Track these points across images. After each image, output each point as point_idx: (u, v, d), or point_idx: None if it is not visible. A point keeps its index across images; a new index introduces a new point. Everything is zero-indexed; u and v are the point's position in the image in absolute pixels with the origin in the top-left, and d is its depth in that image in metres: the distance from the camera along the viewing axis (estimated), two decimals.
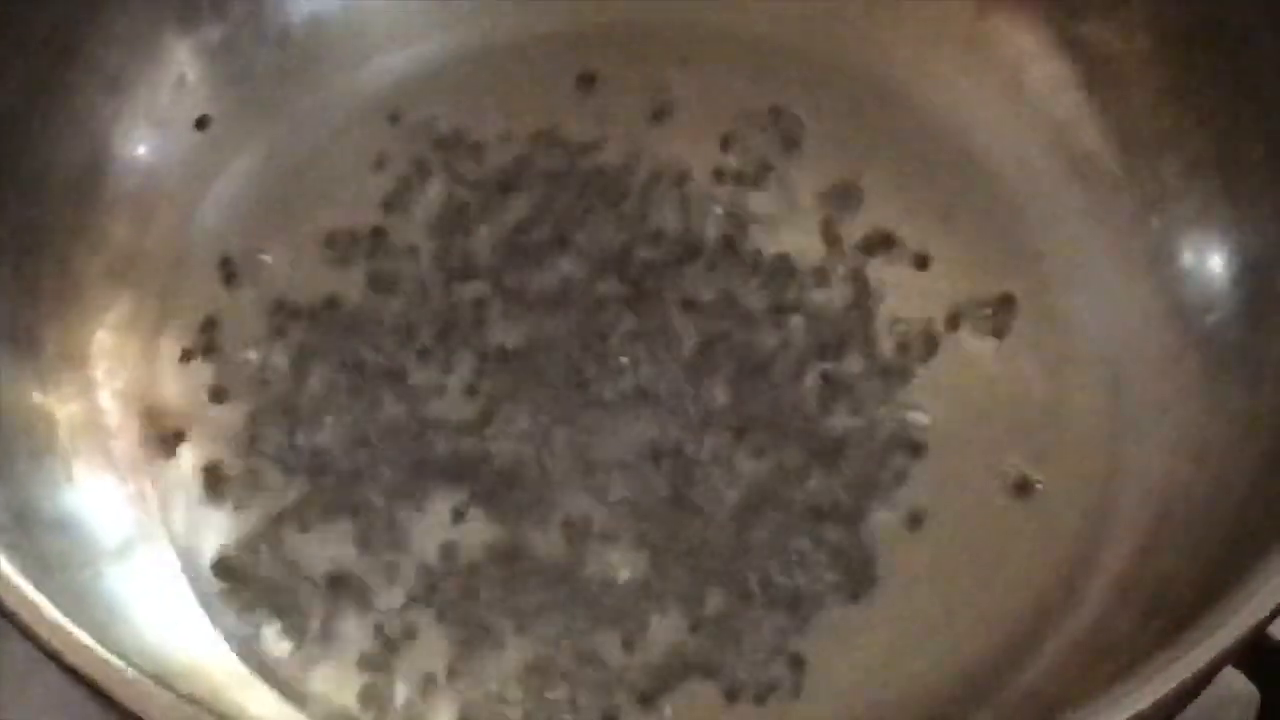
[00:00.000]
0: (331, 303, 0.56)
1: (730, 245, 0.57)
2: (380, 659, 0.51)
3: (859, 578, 0.52)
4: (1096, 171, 0.57)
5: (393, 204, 0.58)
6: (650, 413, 0.54)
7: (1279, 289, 0.53)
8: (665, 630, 0.51)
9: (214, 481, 0.54)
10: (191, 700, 0.42)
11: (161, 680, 0.42)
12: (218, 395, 0.55)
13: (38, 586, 0.43)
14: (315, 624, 0.51)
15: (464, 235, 0.58)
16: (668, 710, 0.50)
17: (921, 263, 0.57)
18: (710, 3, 0.61)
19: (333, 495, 0.53)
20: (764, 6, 0.61)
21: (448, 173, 0.59)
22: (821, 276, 0.57)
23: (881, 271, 0.57)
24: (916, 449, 0.54)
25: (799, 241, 0.57)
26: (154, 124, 0.59)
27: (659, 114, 0.59)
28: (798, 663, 0.51)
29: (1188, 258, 0.55)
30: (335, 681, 0.51)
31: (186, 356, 0.56)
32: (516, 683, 0.50)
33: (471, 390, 0.55)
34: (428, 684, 0.50)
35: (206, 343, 0.56)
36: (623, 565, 0.52)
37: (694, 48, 0.61)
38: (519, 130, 0.59)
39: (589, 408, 0.54)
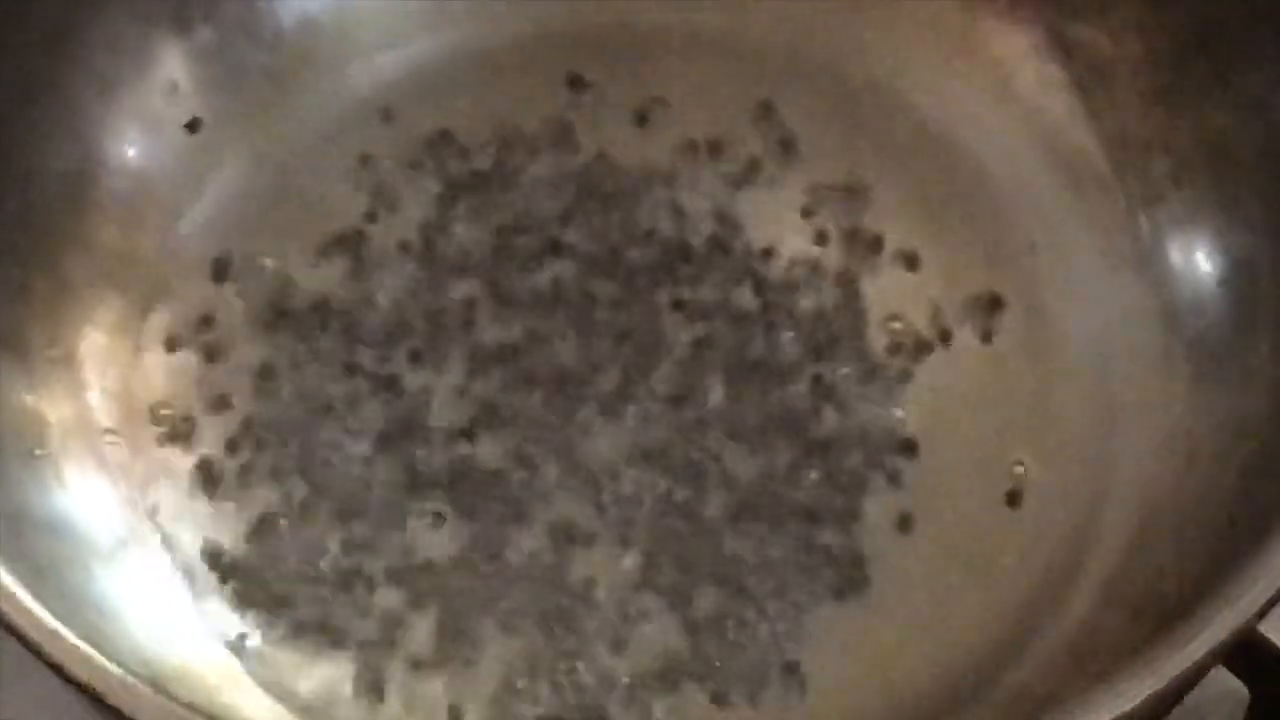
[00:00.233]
0: (322, 304, 0.56)
1: (720, 246, 0.57)
2: (372, 660, 0.51)
3: (850, 579, 0.52)
4: (1086, 173, 0.58)
5: (383, 205, 0.58)
6: (641, 414, 0.54)
7: (1266, 290, 0.53)
8: (655, 632, 0.51)
9: (206, 482, 0.54)
10: (184, 703, 0.42)
11: (154, 682, 0.42)
12: (209, 396, 0.55)
13: (30, 589, 0.43)
14: (307, 625, 0.51)
15: (454, 236, 0.58)
16: (658, 713, 0.50)
17: (911, 263, 0.57)
18: (700, 4, 0.61)
19: (324, 496, 0.53)
20: (754, 7, 0.61)
21: (438, 174, 0.59)
22: (812, 277, 0.57)
23: (872, 272, 0.57)
24: (907, 450, 0.54)
25: (789, 242, 0.57)
26: (145, 126, 0.59)
27: (648, 115, 0.59)
28: (789, 664, 0.51)
29: (1176, 259, 0.56)
30: (327, 681, 0.51)
31: (172, 346, 0.56)
32: (503, 684, 0.50)
33: (462, 392, 0.55)
34: (419, 684, 0.51)
35: (197, 343, 0.56)
36: (612, 567, 0.52)
37: (683, 49, 0.61)
38: (509, 131, 0.59)
39: (579, 409, 0.54)
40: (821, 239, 0.57)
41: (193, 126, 0.59)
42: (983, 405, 0.55)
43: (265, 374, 0.55)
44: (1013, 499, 0.53)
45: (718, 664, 0.51)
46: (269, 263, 0.57)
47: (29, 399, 0.53)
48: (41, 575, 0.45)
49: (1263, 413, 0.51)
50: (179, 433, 0.55)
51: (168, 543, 0.53)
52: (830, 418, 0.54)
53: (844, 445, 0.54)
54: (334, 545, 0.53)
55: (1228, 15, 0.54)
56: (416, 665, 0.51)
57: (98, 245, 0.57)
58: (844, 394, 0.55)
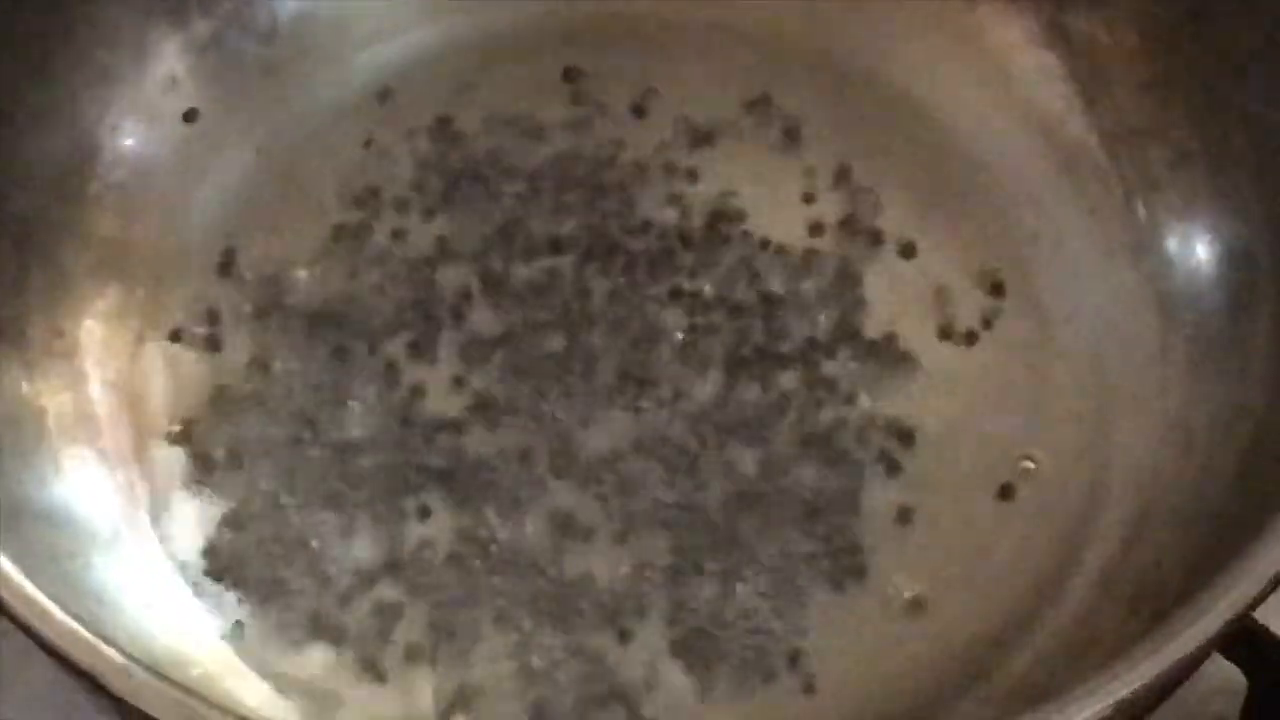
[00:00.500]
0: (320, 294, 0.56)
1: (718, 236, 0.57)
2: (367, 649, 0.51)
3: (849, 569, 0.52)
4: (1083, 162, 0.58)
5: (381, 195, 0.58)
6: (638, 404, 0.54)
7: (1262, 280, 0.53)
8: (654, 622, 0.51)
9: (203, 472, 0.54)
10: (182, 688, 0.42)
11: (152, 668, 0.42)
12: (207, 387, 0.55)
13: (29, 577, 0.43)
14: (303, 613, 0.51)
15: (452, 226, 0.58)
16: (658, 700, 0.50)
17: (909, 251, 0.57)
18: None
19: (321, 486, 0.53)
20: None
21: (436, 164, 0.59)
22: (810, 267, 0.57)
23: (870, 261, 0.57)
24: (906, 440, 0.54)
25: (786, 232, 0.57)
26: (142, 117, 0.59)
27: (645, 105, 0.60)
28: (791, 656, 0.51)
29: (1173, 248, 0.56)
30: (322, 668, 0.51)
31: (171, 337, 0.56)
32: (499, 673, 0.51)
33: (459, 382, 0.55)
34: (414, 672, 0.51)
35: (196, 334, 0.56)
36: (611, 558, 0.52)
37: (680, 39, 0.61)
38: (507, 121, 0.59)
39: (576, 400, 0.54)
40: (819, 229, 0.57)
41: (190, 117, 0.59)
42: (980, 394, 0.55)
43: (263, 365, 0.55)
44: (1011, 490, 0.53)
45: (718, 655, 0.51)
46: (268, 253, 0.57)
47: (27, 389, 0.53)
48: (40, 564, 0.45)
49: (1259, 401, 0.51)
50: (177, 424, 0.55)
51: (165, 533, 0.53)
52: (829, 408, 0.54)
53: (843, 436, 0.54)
54: (330, 536, 0.52)
55: (1221, 6, 0.54)
56: (410, 655, 0.51)
57: (96, 236, 0.57)
58: (842, 384, 0.55)
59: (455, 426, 0.54)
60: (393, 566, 0.52)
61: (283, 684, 0.51)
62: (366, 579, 0.52)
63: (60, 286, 0.56)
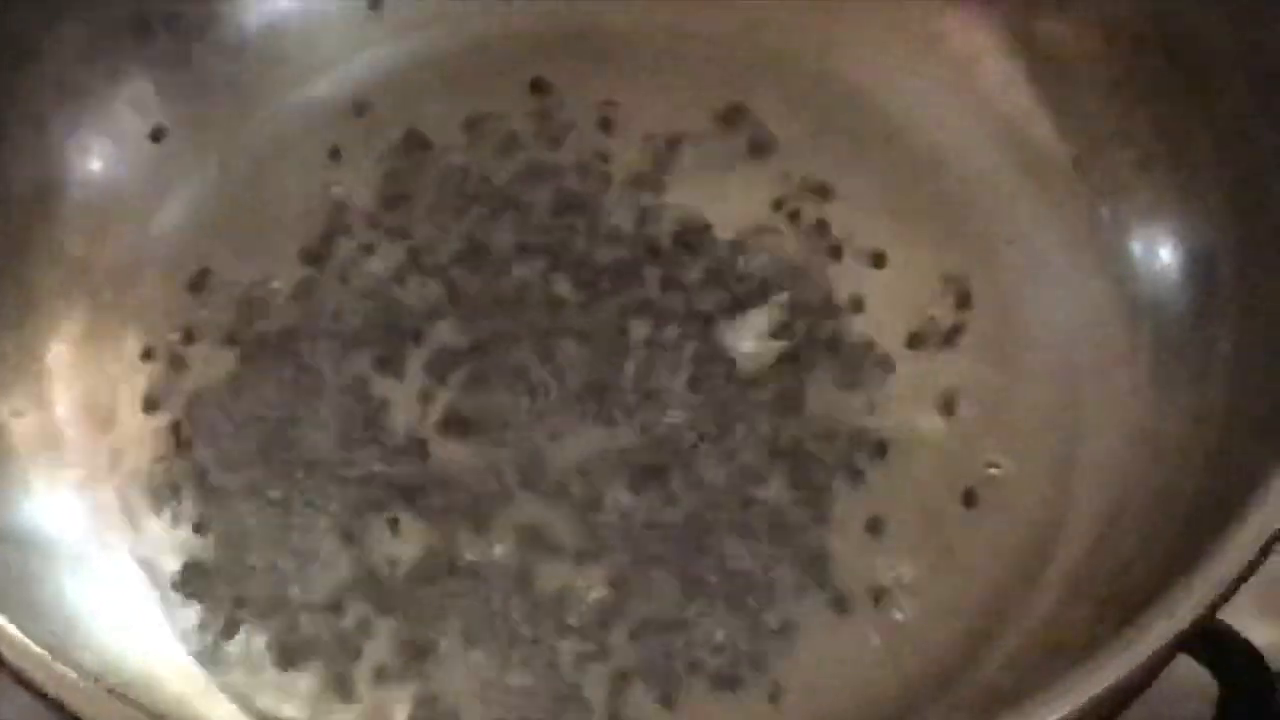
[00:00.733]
0: (289, 310, 0.57)
1: (687, 246, 0.57)
2: (337, 669, 0.51)
3: (818, 578, 0.52)
4: (1049, 167, 0.58)
5: (348, 209, 0.58)
6: (607, 417, 0.54)
7: (1226, 283, 0.53)
8: (623, 636, 0.51)
9: (173, 491, 0.54)
10: (151, 712, 0.42)
11: (120, 692, 0.42)
12: (176, 406, 0.55)
13: None
14: (274, 632, 0.51)
15: (420, 239, 0.58)
16: (628, 714, 0.50)
17: (878, 261, 0.57)
18: (663, 5, 0.61)
19: (294, 504, 0.53)
20: (719, 8, 0.61)
21: (404, 177, 0.59)
22: (780, 276, 0.57)
23: (840, 271, 0.57)
24: (876, 449, 0.54)
25: (756, 242, 0.57)
26: (109, 136, 0.59)
27: (612, 117, 0.60)
28: (759, 664, 0.51)
29: (1139, 252, 0.56)
30: (294, 687, 0.51)
31: (141, 356, 0.56)
32: (471, 690, 0.50)
33: (427, 396, 0.55)
34: (385, 691, 0.51)
35: (166, 353, 0.56)
36: (579, 572, 0.52)
37: (647, 49, 0.61)
38: (474, 135, 0.59)
39: (544, 413, 0.54)
40: (789, 238, 0.57)
41: (157, 136, 0.59)
42: (950, 402, 0.55)
43: (233, 383, 0.55)
44: (978, 497, 0.53)
45: (689, 667, 0.51)
46: (236, 271, 0.57)
47: None
48: (7, 586, 0.46)
49: (1223, 404, 0.51)
50: (147, 443, 0.55)
51: (135, 553, 0.53)
52: (799, 419, 0.54)
53: (813, 446, 0.54)
54: (300, 554, 0.52)
55: (1186, 10, 0.54)
56: (381, 674, 0.51)
57: (65, 256, 0.57)
58: (811, 394, 0.55)
59: (423, 441, 0.54)
60: (363, 583, 0.52)
61: (254, 704, 0.50)
62: (336, 597, 0.52)
63: (28, 306, 0.56)
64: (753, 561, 0.52)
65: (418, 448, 0.54)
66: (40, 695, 0.41)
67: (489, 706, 0.50)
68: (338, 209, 0.58)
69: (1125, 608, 0.45)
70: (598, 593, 0.52)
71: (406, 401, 0.55)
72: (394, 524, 0.53)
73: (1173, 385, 0.53)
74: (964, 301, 0.56)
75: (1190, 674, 0.50)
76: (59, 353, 0.56)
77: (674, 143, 0.59)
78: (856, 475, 0.53)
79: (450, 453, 0.54)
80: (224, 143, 0.60)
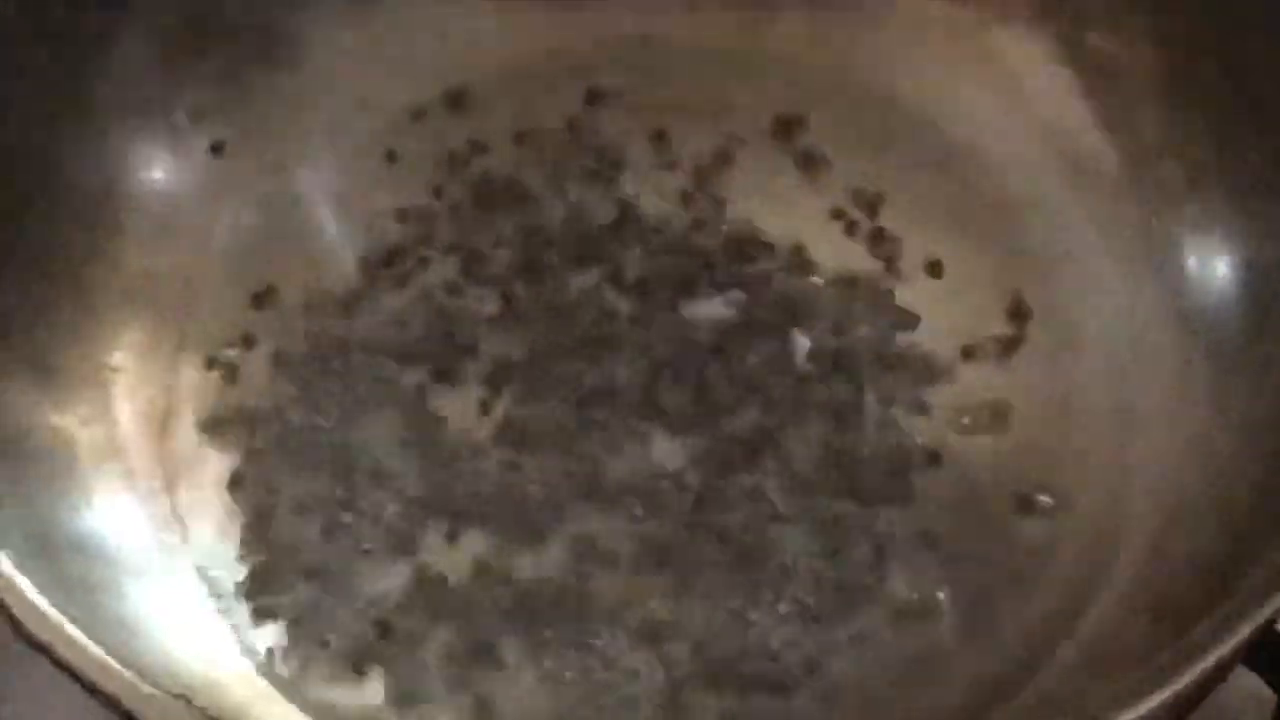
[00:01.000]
0: (348, 322, 0.57)
1: (743, 258, 0.57)
2: (396, 674, 0.51)
3: (873, 588, 0.52)
4: (1101, 179, 0.58)
5: (409, 222, 0.59)
6: (663, 428, 0.54)
7: None
8: (679, 643, 0.51)
9: (235, 501, 0.54)
10: (214, 717, 0.42)
11: (184, 697, 0.42)
12: (238, 416, 0.56)
13: (59, 608, 0.44)
14: (333, 640, 0.52)
15: (476, 250, 0.58)
16: None
17: (935, 270, 0.57)
18: (717, 19, 0.61)
19: (353, 516, 0.54)
20: (771, 21, 0.61)
21: (463, 190, 0.59)
22: (835, 288, 0.57)
23: (896, 282, 0.57)
24: (931, 459, 0.54)
25: (812, 253, 0.58)
26: (170, 149, 0.59)
27: (666, 129, 0.60)
28: (817, 672, 0.51)
29: (1192, 264, 0.56)
30: (353, 694, 0.51)
31: (203, 366, 0.56)
32: (527, 698, 0.51)
33: (484, 407, 0.55)
34: (440, 699, 0.51)
35: (228, 363, 0.57)
36: (635, 583, 0.52)
37: (702, 63, 0.61)
38: (529, 144, 0.60)
39: (601, 424, 0.55)
40: (844, 250, 0.58)
41: (217, 149, 0.60)
42: (1005, 413, 0.55)
43: (292, 393, 0.56)
44: (1034, 506, 0.53)
45: (743, 676, 0.51)
46: (296, 282, 0.58)
47: (58, 420, 0.54)
48: (72, 595, 0.46)
49: (1278, 416, 0.51)
50: (207, 453, 0.55)
51: (197, 561, 0.53)
52: (854, 431, 0.54)
53: (869, 456, 0.54)
54: (359, 563, 0.53)
55: (1237, 23, 0.54)
56: (437, 682, 0.51)
57: (126, 267, 0.58)
58: (868, 404, 0.55)
59: (480, 452, 0.54)
60: (420, 593, 0.52)
61: (315, 710, 0.51)
62: (395, 605, 0.52)
63: (90, 317, 0.56)
64: (809, 570, 0.52)
65: (475, 458, 0.54)
66: (105, 700, 0.42)
67: (544, 716, 0.51)
68: (395, 219, 0.59)
69: (1182, 619, 0.45)
70: (654, 603, 0.52)
71: (464, 412, 0.55)
72: (451, 535, 0.53)
73: (1229, 396, 0.53)
74: (1019, 313, 0.56)
75: (1246, 684, 0.50)
76: (120, 362, 0.56)
77: (730, 154, 0.59)
78: (911, 486, 0.53)
79: (507, 463, 0.54)
80: (283, 156, 0.60)
